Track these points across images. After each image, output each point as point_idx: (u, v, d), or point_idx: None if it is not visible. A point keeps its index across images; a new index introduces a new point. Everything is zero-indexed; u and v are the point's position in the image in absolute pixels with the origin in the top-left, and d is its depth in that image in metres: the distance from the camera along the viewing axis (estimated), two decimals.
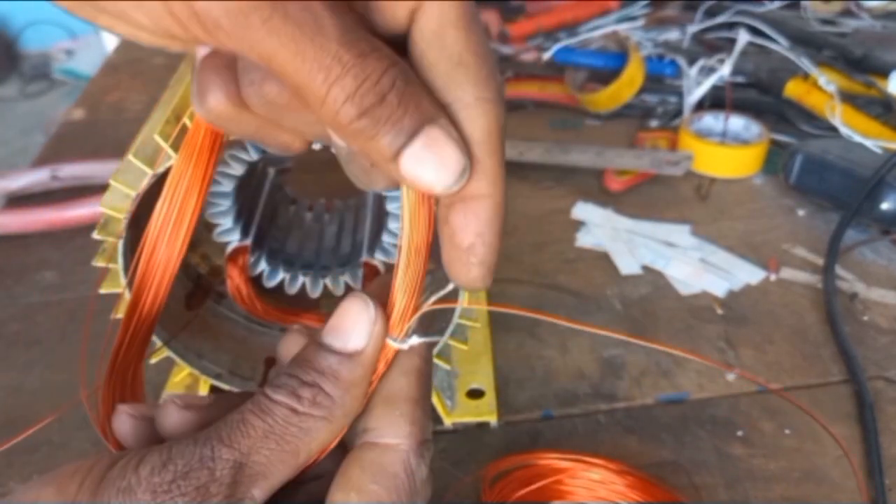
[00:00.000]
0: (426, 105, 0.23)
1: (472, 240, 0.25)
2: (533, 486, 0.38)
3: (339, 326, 0.26)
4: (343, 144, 0.25)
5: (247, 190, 0.44)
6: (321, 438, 0.24)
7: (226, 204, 0.41)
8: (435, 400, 0.43)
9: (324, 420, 0.24)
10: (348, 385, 0.25)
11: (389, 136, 0.22)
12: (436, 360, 0.41)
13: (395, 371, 0.27)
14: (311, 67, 0.21)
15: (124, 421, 0.26)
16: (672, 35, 0.87)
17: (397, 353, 0.27)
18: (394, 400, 0.26)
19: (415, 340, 0.27)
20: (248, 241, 0.42)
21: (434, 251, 0.45)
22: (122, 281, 0.37)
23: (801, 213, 0.63)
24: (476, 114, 0.24)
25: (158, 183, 0.34)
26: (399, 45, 0.24)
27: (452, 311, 0.38)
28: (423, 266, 0.27)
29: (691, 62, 0.78)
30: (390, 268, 0.44)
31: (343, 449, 0.26)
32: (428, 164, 0.23)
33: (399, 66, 0.22)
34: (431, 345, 0.28)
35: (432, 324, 0.42)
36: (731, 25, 0.86)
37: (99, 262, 0.37)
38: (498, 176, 0.25)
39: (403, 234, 0.26)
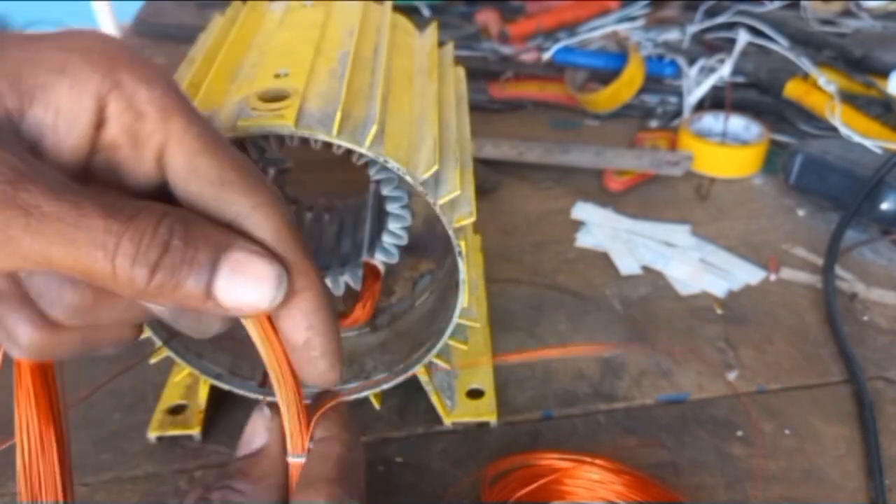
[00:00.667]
0: (215, 235, 0.23)
1: (304, 335, 0.26)
2: (532, 486, 0.38)
3: (245, 438, 0.29)
4: (163, 309, 0.25)
5: None
6: None
7: None
8: (435, 400, 0.43)
9: None
10: (257, 478, 0.28)
11: (192, 278, 0.22)
12: (435, 361, 0.41)
13: (314, 459, 0.28)
14: (88, 250, 0.21)
15: None
16: (672, 35, 0.87)
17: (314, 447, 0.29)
18: (313, 482, 0.27)
19: (311, 445, 0.29)
20: None
21: (432, 247, 0.45)
22: None
23: (800, 213, 0.63)
24: (259, 219, 0.24)
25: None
26: (166, 195, 0.25)
27: (452, 310, 0.38)
28: (295, 383, 0.28)
29: (691, 62, 0.78)
30: (390, 270, 0.44)
31: None
32: (243, 286, 0.23)
33: (172, 212, 0.23)
34: (356, 433, 0.30)
35: (431, 324, 0.42)
36: (730, 25, 0.86)
37: None
38: (307, 267, 0.25)
39: (264, 360, 0.27)
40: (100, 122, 0.24)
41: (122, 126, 0.24)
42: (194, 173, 0.24)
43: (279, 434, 0.29)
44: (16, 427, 0.28)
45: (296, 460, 0.28)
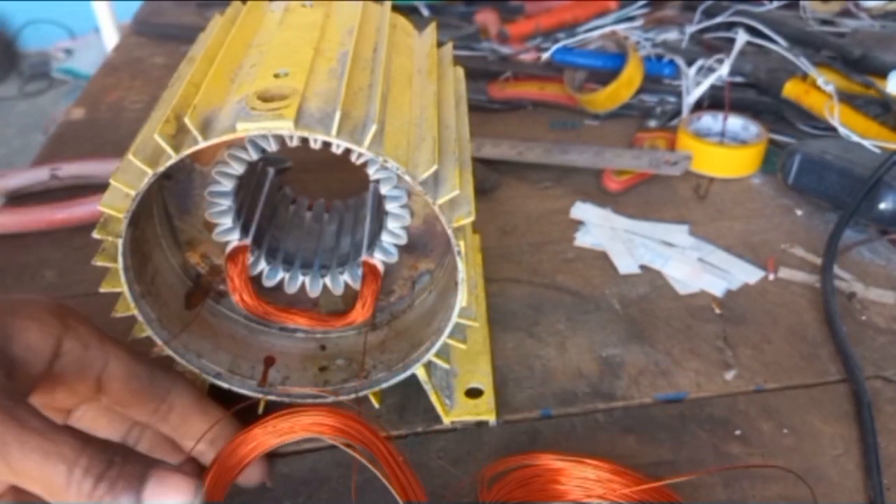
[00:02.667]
0: (141, 457, 0.30)
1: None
2: (530, 487, 0.38)
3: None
4: None
5: (246, 189, 0.44)
6: None
7: (225, 203, 0.41)
8: (434, 399, 0.43)
9: None
10: None
11: (127, 492, 0.28)
12: (434, 360, 0.41)
13: None
14: (55, 461, 0.28)
15: None
16: (671, 35, 0.87)
17: None
18: None
19: None
20: (248, 241, 0.42)
21: (431, 247, 0.45)
22: (122, 280, 0.37)
23: (799, 212, 0.63)
24: (180, 389, 0.39)
25: (158, 182, 0.34)
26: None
27: (451, 310, 0.39)
28: None
29: (690, 62, 0.78)
30: (389, 269, 0.44)
31: None
32: (168, 495, 0.29)
33: (113, 443, 0.30)
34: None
35: (431, 323, 0.42)
36: (729, 26, 0.86)
37: (99, 262, 0.37)
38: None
39: None
40: (56, 355, 0.34)
41: (73, 356, 0.34)
42: (132, 375, 0.36)
43: None
44: None
45: None
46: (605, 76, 0.78)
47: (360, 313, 0.43)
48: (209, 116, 0.34)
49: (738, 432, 0.43)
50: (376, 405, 0.44)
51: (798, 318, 0.52)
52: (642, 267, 0.57)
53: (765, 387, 0.46)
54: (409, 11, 0.93)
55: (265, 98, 0.34)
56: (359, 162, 0.38)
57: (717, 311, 0.53)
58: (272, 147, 0.38)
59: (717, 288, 0.54)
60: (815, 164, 0.61)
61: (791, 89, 0.73)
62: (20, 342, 0.32)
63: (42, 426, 0.28)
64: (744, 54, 0.78)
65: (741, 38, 0.78)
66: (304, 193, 0.51)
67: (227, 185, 0.40)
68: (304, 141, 0.35)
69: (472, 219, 0.36)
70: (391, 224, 0.42)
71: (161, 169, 0.33)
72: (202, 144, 0.32)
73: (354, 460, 0.35)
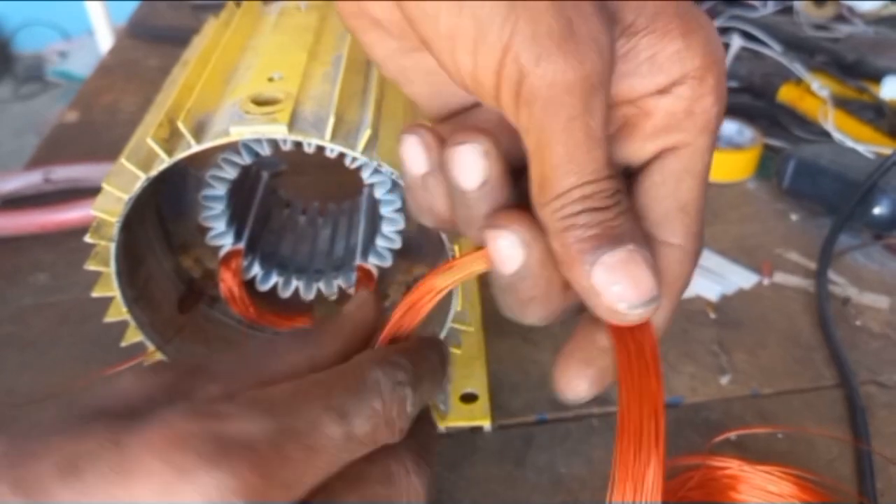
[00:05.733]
0: (639, 228, 0.24)
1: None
2: (706, 489, 0.37)
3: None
4: (508, 273, 0.24)
5: (240, 193, 0.44)
6: None
7: (219, 207, 0.41)
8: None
9: None
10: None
11: (595, 241, 0.22)
12: None
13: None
14: (570, 168, 0.22)
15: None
16: None
17: None
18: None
19: None
20: (242, 245, 0.42)
21: (426, 251, 0.45)
22: (115, 284, 0.37)
23: (793, 217, 0.63)
24: (673, 262, 0.25)
25: (151, 186, 0.34)
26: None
27: (446, 314, 0.38)
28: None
29: None
30: (383, 273, 0.44)
31: None
32: (621, 277, 0.23)
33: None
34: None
35: (425, 328, 0.42)
36: (724, 30, 0.86)
37: (91, 266, 0.37)
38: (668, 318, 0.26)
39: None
40: None
41: None
42: (674, 185, 0.25)
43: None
44: None
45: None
46: None
47: None
48: (203, 120, 0.34)
49: (732, 437, 0.43)
50: None
51: (792, 323, 0.52)
52: None
53: (760, 391, 0.46)
54: None
55: (259, 102, 0.34)
56: (353, 166, 0.37)
57: (712, 315, 0.52)
58: (266, 151, 0.38)
59: (711, 292, 0.54)
60: (809, 168, 0.61)
61: (786, 94, 0.73)
62: None
63: (588, 130, 0.22)
64: (738, 59, 0.78)
65: (736, 42, 0.79)
66: (298, 197, 0.51)
67: (221, 189, 0.40)
68: (298, 145, 0.34)
69: None
70: (385, 228, 0.42)
71: (154, 173, 0.33)
72: (195, 149, 0.32)
73: None
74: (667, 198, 0.25)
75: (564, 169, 0.22)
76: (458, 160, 0.23)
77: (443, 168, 0.24)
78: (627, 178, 0.26)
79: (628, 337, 0.25)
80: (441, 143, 0.24)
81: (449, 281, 0.28)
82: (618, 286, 0.22)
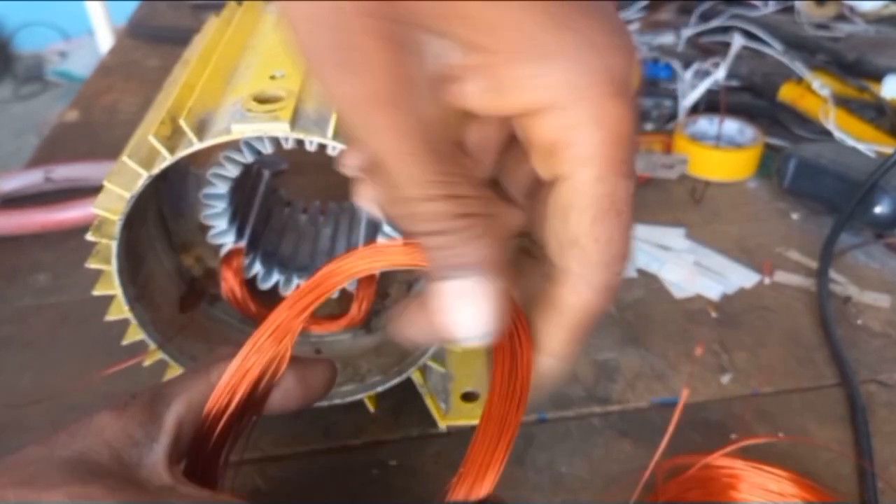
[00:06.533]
0: (501, 254, 0.23)
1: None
2: (706, 489, 0.37)
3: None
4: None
5: (241, 192, 0.44)
6: None
7: (220, 206, 0.41)
8: (429, 403, 0.43)
9: None
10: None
11: (441, 264, 0.22)
12: (430, 363, 0.41)
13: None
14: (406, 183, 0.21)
15: None
16: (667, 39, 0.87)
17: None
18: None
19: None
20: (243, 244, 0.42)
21: None
22: (116, 283, 0.37)
23: (794, 216, 0.63)
24: (569, 291, 0.25)
25: (152, 184, 0.34)
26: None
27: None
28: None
29: (686, 66, 0.78)
30: (384, 272, 0.44)
31: None
32: (460, 306, 0.23)
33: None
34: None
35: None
36: (725, 29, 0.86)
37: (92, 264, 0.37)
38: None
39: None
40: None
41: None
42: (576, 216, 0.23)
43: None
44: None
45: None
46: None
47: (355, 316, 0.43)
48: (204, 118, 0.34)
49: (733, 436, 0.43)
50: (371, 409, 0.43)
51: (793, 322, 0.52)
52: (638, 270, 0.57)
53: (760, 391, 0.46)
54: None
55: (261, 100, 0.34)
56: None
57: (713, 314, 0.52)
58: (268, 149, 0.38)
59: (712, 291, 0.54)
60: (810, 167, 0.61)
61: (787, 93, 0.73)
62: None
63: None
64: (740, 58, 0.78)
65: (737, 41, 0.79)
66: (299, 196, 0.51)
67: (222, 188, 0.40)
68: (300, 143, 0.34)
69: None
70: (387, 227, 0.42)
71: (156, 171, 0.33)
72: (197, 146, 0.32)
73: None
74: (558, 230, 0.23)
75: (403, 186, 0.21)
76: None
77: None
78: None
79: (507, 353, 0.25)
80: None
81: (367, 267, 0.28)
82: (455, 314, 0.23)
